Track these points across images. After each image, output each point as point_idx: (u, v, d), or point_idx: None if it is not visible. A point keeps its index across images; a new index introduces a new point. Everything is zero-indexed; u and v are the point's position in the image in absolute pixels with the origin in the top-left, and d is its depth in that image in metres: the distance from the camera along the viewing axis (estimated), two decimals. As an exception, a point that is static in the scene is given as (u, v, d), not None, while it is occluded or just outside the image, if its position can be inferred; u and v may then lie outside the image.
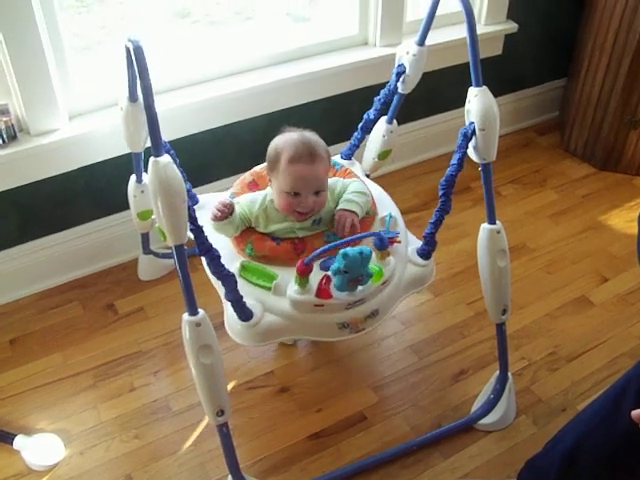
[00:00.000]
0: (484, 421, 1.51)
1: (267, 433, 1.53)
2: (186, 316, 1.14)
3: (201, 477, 1.44)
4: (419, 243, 1.42)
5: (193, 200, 1.59)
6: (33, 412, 1.57)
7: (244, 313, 1.24)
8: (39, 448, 1.46)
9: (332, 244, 1.20)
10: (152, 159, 1.04)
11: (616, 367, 1.65)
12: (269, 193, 1.38)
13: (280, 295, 1.26)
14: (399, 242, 1.35)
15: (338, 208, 1.36)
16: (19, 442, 1.46)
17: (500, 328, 1.45)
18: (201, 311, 1.15)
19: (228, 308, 1.26)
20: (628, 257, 2.01)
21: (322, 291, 1.22)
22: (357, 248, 1.16)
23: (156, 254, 1.93)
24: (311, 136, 1.35)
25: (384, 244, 1.27)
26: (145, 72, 1.02)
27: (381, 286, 1.28)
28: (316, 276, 1.23)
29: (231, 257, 1.33)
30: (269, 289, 1.27)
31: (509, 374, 1.51)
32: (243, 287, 1.25)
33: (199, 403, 1.23)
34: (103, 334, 1.77)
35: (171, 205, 1.04)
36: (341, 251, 1.16)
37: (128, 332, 1.78)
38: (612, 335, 1.75)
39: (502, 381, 1.50)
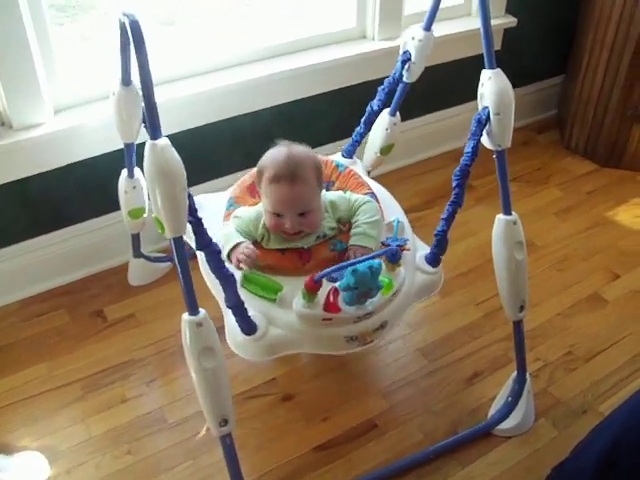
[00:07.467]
0: (502, 426, 1.44)
1: (271, 445, 1.45)
2: (186, 316, 1.06)
3: (201, 494, 1.35)
4: (427, 249, 1.36)
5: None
6: (16, 428, 1.48)
7: (247, 325, 1.16)
8: (21, 468, 1.36)
9: (342, 264, 1.12)
10: (149, 142, 0.97)
11: (638, 365, 1.59)
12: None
13: (285, 308, 1.18)
14: (408, 250, 1.29)
15: (352, 243, 1.27)
16: (-2, 462, 1.36)
17: (518, 326, 1.38)
18: (202, 310, 1.07)
19: (229, 319, 1.18)
20: (638, 253, 1.97)
21: (330, 305, 1.15)
22: (366, 263, 1.09)
23: (147, 258, 1.84)
24: (299, 153, 1.26)
25: (396, 258, 1.20)
26: (142, 47, 0.94)
27: (391, 297, 1.21)
28: (323, 288, 1.15)
29: (232, 268, 1.22)
30: (273, 301, 1.20)
31: (527, 375, 1.43)
32: (245, 298, 1.16)
33: (196, 414, 1.15)
34: (92, 343, 1.68)
35: (170, 192, 0.97)
36: (350, 267, 1.09)
37: (118, 340, 1.69)
38: (630, 332, 1.70)
39: (520, 382, 1.43)
